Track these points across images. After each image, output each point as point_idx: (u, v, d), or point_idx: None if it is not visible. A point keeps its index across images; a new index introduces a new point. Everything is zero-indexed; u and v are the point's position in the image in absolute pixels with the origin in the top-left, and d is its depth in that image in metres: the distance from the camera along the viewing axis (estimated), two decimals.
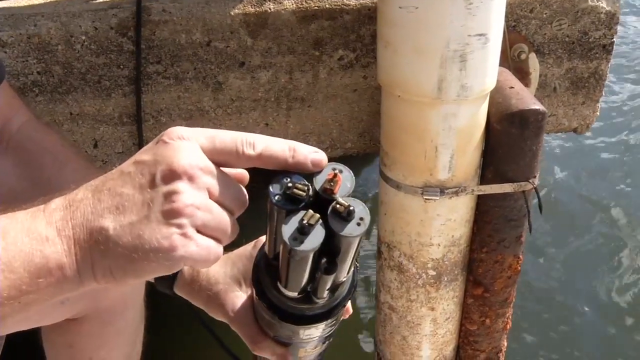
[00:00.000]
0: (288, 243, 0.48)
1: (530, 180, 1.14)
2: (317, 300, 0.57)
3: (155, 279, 0.74)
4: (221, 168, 0.53)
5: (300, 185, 0.50)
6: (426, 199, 1.13)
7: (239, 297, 0.72)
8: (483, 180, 1.17)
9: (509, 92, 1.13)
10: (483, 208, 1.20)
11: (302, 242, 0.48)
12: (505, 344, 1.42)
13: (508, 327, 1.39)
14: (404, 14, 0.99)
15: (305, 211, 0.49)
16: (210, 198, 0.51)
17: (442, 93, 1.02)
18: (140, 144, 1.20)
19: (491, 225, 1.20)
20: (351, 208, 0.49)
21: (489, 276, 1.27)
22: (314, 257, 0.51)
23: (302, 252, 0.49)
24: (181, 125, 1.37)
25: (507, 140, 1.11)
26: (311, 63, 1.22)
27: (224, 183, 0.52)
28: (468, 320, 1.35)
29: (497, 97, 1.12)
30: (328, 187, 0.50)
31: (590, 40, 1.31)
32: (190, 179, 0.49)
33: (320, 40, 1.20)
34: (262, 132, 1.28)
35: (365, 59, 1.24)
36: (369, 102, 1.28)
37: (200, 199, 0.50)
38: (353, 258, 0.55)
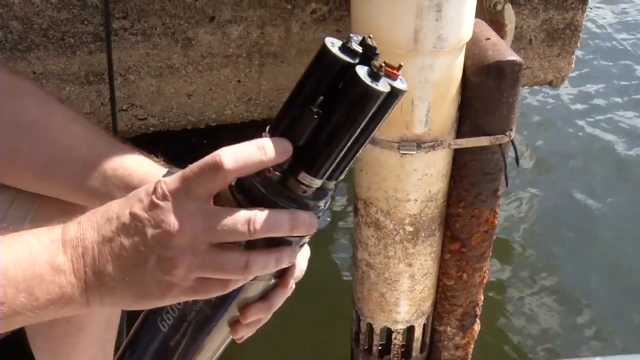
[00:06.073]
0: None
1: (507, 133, 1.14)
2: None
3: None
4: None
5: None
6: (402, 153, 1.11)
7: None
8: (460, 133, 1.16)
9: (485, 44, 1.11)
10: (460, 162, 1.19)
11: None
12: (482, 297, 1.43)
13: (485, 281, 1.40)
14: None
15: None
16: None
17: (418, 44, 1.00)
18: (112, 102, 1.14)
19: (468, 180, 1.20)
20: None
21: (466, 231, 1.27)
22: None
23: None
24: (151, 83, 1.30)
25: (484, 93, 1.10)
26: (283, 17, 1.18)
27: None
28: (445, 275, 1.36)
29: (473, 49, 1.10)
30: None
31: None
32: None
33: None
34: (234, 90, 1.25)
35: (338, 12, 1.20)
36: None
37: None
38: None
